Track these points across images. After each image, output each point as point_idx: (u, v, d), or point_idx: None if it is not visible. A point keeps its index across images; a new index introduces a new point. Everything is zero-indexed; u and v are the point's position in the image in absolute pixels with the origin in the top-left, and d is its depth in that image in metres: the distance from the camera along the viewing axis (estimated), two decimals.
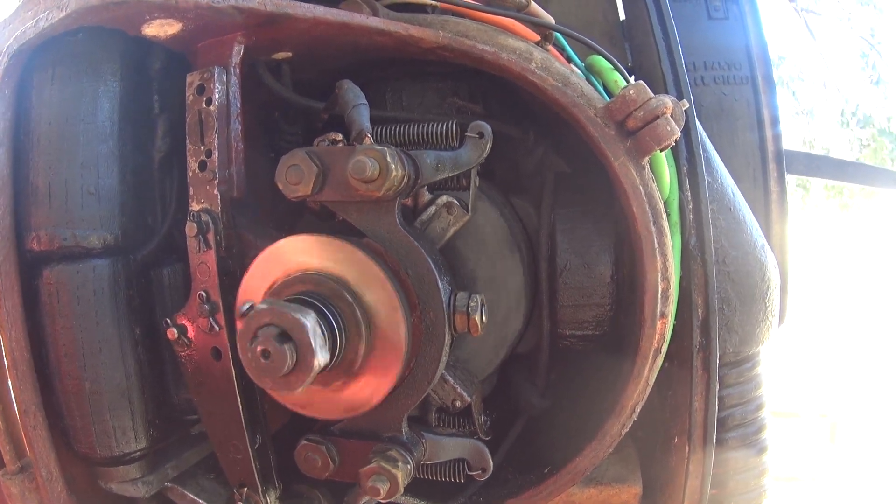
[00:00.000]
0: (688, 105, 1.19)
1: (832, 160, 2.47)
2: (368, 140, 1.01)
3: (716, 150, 1.38)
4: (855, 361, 4.90)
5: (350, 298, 0.94)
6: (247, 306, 0.93)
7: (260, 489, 1.11)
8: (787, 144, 1.92)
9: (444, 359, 1.00)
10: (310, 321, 0.83)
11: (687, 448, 1.27)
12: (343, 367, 0.95)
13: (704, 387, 1.26)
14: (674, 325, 1.18)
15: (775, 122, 1.88)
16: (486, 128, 1.03)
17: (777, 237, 1.89)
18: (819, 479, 3.39)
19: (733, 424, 1.40)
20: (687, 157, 1.25)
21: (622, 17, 1.71)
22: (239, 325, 1.00)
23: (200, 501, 1.18)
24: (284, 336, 0.84)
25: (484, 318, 1.00)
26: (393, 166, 0.92)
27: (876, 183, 2.53)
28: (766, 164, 1.86)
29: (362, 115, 1.04)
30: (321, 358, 0.84)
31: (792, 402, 3.90)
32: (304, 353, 0.83)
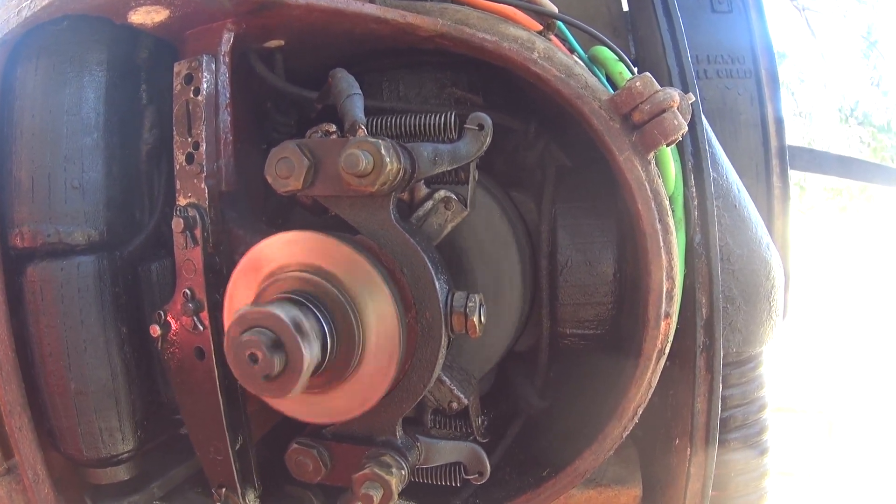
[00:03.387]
0: (694, 98, 1.16)
1: (835, 156, 2.44)
2: (362, 132, 0.97)
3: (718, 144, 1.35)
4: (853, 360, 4.90)
5: (342, 298, 0.90)
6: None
7: (239, 490, 1.09)
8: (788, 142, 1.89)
9: (440, 361, 0.96)
10: (302, 326, 0.80)
11: (688, 450, 1.25)
12: (335, 371, 0.91)
13: (707, 388, 1.23)
14: (677, 324, 1.15)
15: (778, 117, 1.85)
16: (487, 119, 0.99)
17: (779, 233, 1.87)
18: (816, 475, 3.39)
19: (735, 426, 1.37)
20: (692, 152, 1.21)
21: (626, 8, 1.68)
22: (227, 317, 0.97)
23: None
24: (274, 340, 0.80)
25: (483, 318, 0.96)
26: (388, 160, 0.88)
27: (878, 180, 2.51)
28: (768, 159, 1.84)
29: (356, 105, 1.00)
30: (310, 360, 0.81)
31: (790, 397, 3.90)
32: (293, 357, 0.80)
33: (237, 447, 1.08)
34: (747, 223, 1.33)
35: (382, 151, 0.87)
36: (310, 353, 0.82)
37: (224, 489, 1.07)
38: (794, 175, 1.94)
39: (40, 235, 1.02)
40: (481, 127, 0.99)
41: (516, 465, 1.27)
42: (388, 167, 0.88)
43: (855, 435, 3.85)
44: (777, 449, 1.44)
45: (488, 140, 1.00)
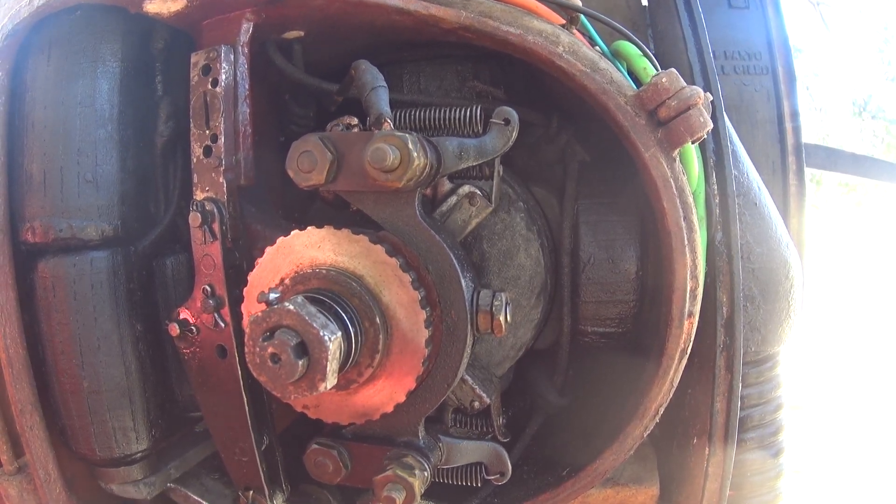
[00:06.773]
0: (712, 98, 1.14)
1: (850, 155, 2.42)
2: (388, 125, 0.94)
3: None
4: (863, 357, 4.89)
5: (367, 297, 0.88)
6: (273, 295, 0.86)
7: (267, 492, 1.06)
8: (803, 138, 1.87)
9: (465, 360, 0.94)
10: (333, 343, 0.77)
11: (707, 450, 1.23)
12: (358, 370, 0.89)
13: (727, 388, 1.21)
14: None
15: (795, 114, 1.83)
16: (513, 114, 0.97)
17: (795, 231, 1.86)
18: (823, 473, 3.39)
19: (752, 425, 1.36)
20: (714, 149, 1.19)
21: (645, 2, 1.65)
22: (247, 315, 0.94)
23: (204, 503, 1.14)
24: (297, 340, 0.78)
25: (509, 317, 0.94)
26: (415, 154, 0.86)
27: (892, 179, 2.49)
28: (785, 157, 1.82)
29: (381, 98, 0.98)
30: (330, 381, 0.79)
31: (799, 394, 3.89)
32: (316, 357, 0.77)
33: (263, 448, 1.06)
34: (767, 221, 1.31)
35: (410, 146, 0.85)
36: (334, 354, 0.80)
37: (251, 492, 1.05)
38: (809, 170, 1.93)
39: (52, 230, 1.00)
40: (507, 122, 0.97)
41: (535, 464, 1.26)
42: (416, 162, 0.86)
43: (861, 435, 3.85)
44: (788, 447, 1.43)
45: (514, 135, 0.98)
